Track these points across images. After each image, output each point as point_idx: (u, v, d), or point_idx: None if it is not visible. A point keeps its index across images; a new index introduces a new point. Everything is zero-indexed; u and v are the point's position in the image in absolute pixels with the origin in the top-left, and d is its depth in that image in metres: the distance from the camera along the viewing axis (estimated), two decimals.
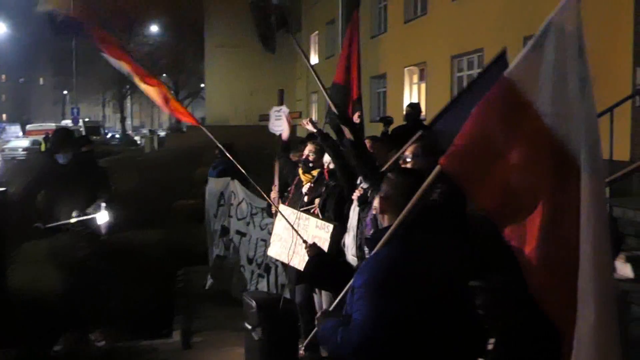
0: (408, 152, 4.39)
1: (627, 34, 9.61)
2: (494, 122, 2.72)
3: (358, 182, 5.15)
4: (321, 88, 5.67)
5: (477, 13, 14.86)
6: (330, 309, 3.40)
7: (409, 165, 4.26)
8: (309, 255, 4.30)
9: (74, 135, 7.02)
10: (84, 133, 41.25)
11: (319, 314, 3.15)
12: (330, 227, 5.15)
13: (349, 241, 5.23)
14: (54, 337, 6.30)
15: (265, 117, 6.65)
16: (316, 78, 5.59)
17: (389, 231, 2.90)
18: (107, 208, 6.30)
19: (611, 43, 10.10)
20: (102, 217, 6.27)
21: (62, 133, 6.73)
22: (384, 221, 3.01)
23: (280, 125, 6.57)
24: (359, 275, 2.80)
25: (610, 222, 2.84)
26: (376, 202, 3.05)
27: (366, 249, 4.91)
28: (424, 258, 2.79)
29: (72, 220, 6.16)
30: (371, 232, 3.98)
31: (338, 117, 5.36)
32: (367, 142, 5.23)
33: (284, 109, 6.52)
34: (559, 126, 2.59)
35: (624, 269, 6.10)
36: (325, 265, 3.91)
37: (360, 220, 5.07)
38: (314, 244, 4.57)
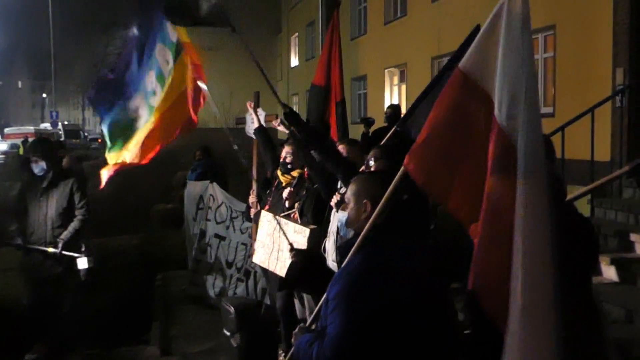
0: (370, 155, 4.32)
1: (606, 34, 9.61)
2: (450, 116, 2.64)
3: (338, 186, 5.06)
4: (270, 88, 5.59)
5: (457, 14, 14.83)
6: (307, 323, 3.27)
7: (372, 169, 4.20)
8: (293, 260, 4.14)
9: (49, 143, 6.61)
10: (62, 136, 40.89)
11: (296, 329, 3.02)
12: (307, 231, 5.04)
13: (329, 246, 5.07)
14: (25, 346, 6.12)
15: (242, 120, 6.49)
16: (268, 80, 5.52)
17: (360, 237, 2.78)
18: (88, 253, 6.11)
19: (591, 44, 10.12)
20: (82, 263, 6.06)
21: (36, 141, 6.53)
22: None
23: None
24: (332, 286, 2.67)
25: (585, 224, 2.74)
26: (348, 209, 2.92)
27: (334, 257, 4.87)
28: (395, 263, 2.67)
29: (50, 250, 6.00)
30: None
31: (289, 114, 5.26)
32: (343, 147, 5.11)
33: (261, 111, 6.39)
34: (504, 116, 2.46)
35: (608, 272, 6.06)
36: (308, 270, 3.76)
37: (339, 228, 4.96)
38: (299, 250, 4.45)
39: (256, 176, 6.37)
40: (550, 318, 2.25)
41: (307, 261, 3.63)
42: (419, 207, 3.11)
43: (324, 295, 2.80)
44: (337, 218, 4.69)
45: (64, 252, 6.00)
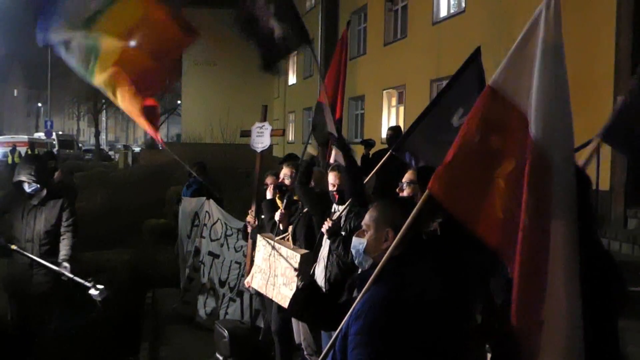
0: (405, 179, 4.12)
1: (608, 61, 9.55)
2: (480, 134, 2.52)
3: (332, 210, 4.90)
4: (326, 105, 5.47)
5: (457, 37, 14.79)
6: (320, 358, 3.06)
7: (405, 194, 4.00)
8: (298, 289, 3.87)
9: (41, 163, 6.31)
10: (56, 146, 40.61)
11: None
12: (298, 256, 4.90)
13: (318, 272, 4.95)
14: None
15: (247, 133, 6.35)
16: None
17: (378, 268, 2.61)
18: (102, 291, 5.66)
19: (592, 70, 10.04)
20: (95, 294, 5.63)
21: (29, 161, 6.30)
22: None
23: (262, 142, 6.31)
24: (353, 321, 2.48)
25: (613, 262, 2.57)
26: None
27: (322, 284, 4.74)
28: (422, 298, 2.48)
29: (62, 277, 5.73)
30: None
31: (338, 142, 5.22)
32: (334, 174, 4.93)
33: (267, 126, 6.25)
34: (541, 137, 2.36)
35: None
36: (313, 301, 3.50)
37: (331, 252, 4.79)
38: (306, 279, 4.26)
39: (257, 194, 6.20)
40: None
41: (313, 292, 3.36)
42: (453, 237, 2.92)
43: (339, 329, 2.61)
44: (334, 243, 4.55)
45: (76, 279, 5.69)
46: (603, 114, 9.25)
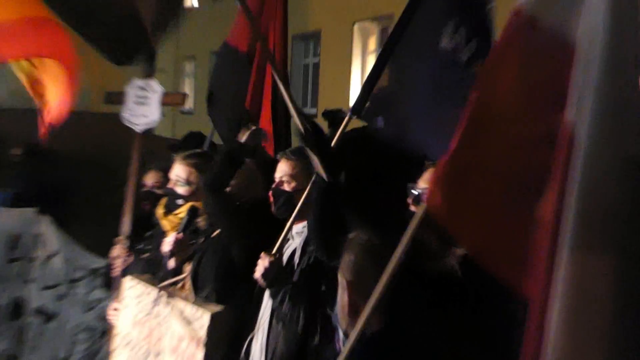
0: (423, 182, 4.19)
1: None
2: (519, 89, 2.63)
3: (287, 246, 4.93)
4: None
5: None
6: None
7: None
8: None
9: None
10: None
11: None
12: (205, 316, 4.86)
13: (257, 349, 4.88)
14: None
15: (117, 99, 6.24)
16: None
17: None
18: None
19: None
20: None
21: None
22: None
23: (145, 115, 6.28)
24: None
25: None
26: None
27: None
28: None
29: None
30: None
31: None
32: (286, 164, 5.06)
33: (155, 87, 6.19)
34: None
35: None
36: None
37: (274, 316, 4.79)
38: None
39: (131, 205, 6.19)
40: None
41: None
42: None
43: None
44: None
45: None
46: None
